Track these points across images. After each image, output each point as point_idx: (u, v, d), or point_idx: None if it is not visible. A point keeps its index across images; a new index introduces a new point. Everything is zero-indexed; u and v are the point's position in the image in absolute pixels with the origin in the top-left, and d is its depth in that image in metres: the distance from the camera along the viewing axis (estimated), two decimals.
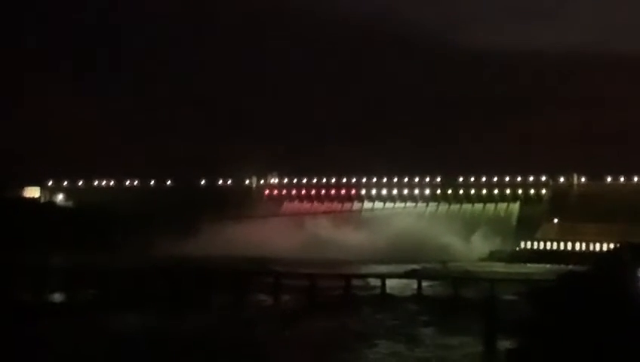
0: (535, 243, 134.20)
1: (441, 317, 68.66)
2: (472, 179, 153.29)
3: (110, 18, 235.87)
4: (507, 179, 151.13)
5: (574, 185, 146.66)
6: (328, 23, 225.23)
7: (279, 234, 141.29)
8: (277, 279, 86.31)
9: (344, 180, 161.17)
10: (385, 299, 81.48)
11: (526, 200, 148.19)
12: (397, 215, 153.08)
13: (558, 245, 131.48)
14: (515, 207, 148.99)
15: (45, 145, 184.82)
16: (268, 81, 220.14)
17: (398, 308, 75.16)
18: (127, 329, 61.27)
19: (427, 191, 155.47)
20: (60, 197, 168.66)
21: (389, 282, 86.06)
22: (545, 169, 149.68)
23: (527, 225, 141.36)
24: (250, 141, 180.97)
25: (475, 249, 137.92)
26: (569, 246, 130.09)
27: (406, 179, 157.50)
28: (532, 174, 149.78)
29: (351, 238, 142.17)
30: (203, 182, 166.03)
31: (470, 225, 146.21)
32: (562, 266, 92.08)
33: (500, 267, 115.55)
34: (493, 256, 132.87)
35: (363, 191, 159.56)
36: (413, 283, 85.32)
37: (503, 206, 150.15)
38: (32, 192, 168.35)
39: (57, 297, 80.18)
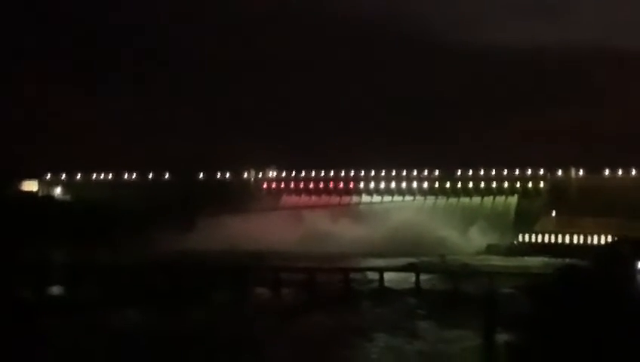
0: (533, 237, 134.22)
1: (439, 310, 68.84)
2: (470, 172, 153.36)
3: (110, 18, 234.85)
4: (505, 172, 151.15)
5: (572, 179, 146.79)
6: (328, 22, 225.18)
7: (278, 228, 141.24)
8: (276, 273, 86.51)
9: (342, 173, 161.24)
10: (383, 293, 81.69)
11: (524, 193, 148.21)
12: (395, 208, 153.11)
13: (556, 238, 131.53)
14: (513, 200, 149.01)
15: (43, 140, 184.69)
16: (267, 80, 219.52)
17: (397, 302, 75.36)
18: (128, 326, 61.39)
19: (425, 185, 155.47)
20: (58, 190, 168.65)
21: (387, 275, 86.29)
22: (543, 162, 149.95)
23: (525, 219, 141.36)
24: (249, 137, 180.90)
25: (472, 242, 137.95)
26: (567, 239, 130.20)
27: (404, 173, 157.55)
28: (530, 168, 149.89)
29: (349, 232, 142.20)
30: (201, 176, 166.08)
31: (468, 219, 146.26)
32: (560, 260, 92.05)
33: (497, 260, 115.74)
34: (490, 250, 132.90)
35: (361, 185, 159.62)
36: (411, 277, 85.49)
37: (501, 199, 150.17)
38: (30, 186, 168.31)
39: (57, 293, 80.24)
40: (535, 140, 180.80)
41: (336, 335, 58.76)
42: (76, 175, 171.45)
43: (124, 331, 58.65)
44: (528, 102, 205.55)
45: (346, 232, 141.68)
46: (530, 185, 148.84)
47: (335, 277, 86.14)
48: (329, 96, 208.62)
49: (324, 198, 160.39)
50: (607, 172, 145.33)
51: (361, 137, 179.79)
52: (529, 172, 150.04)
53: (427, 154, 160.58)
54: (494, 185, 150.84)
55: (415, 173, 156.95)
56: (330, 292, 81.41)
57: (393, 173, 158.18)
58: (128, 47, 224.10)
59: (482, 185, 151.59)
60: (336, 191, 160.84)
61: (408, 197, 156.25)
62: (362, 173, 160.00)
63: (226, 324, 62.81)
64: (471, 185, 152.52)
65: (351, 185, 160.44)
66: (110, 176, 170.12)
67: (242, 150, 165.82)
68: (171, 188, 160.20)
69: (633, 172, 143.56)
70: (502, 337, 51.40)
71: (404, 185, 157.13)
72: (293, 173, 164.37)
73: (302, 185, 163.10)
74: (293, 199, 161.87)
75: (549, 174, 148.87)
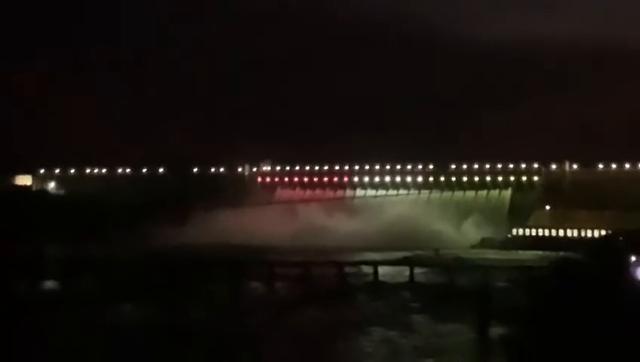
0: (527, 231, 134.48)
1: (434, 304, 68.92)
2: (465, 166, 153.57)
3: (110, 18, 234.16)
4: (499, 166, 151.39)
5: (567, 173, 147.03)
6: (328, 21, 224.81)
7: (272, 222, 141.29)
8: (270, 267, 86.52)
9: (337, 167, 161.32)
10: (378, 287, 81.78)
11: (518, 187, 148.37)
12: (390, 202, 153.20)
13: (550, 232, 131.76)
14: (507, 194, 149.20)
15: (37, 135, 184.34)
16: (266, 77, 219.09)
17: (391, 296, 75.45)
18: (124, 321, 61.32)
19: (419, 179, 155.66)
20: (52, 185, 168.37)
21: (382, 269, 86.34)
22: (537, 156, 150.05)
23: (519, 212, 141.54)
24: (244, 133, 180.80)
25: (467, 236, 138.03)
26: (561, 233, 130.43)
27: (398, 167, 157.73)
28: (524, 161, 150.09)
29: (344, 226, 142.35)
30: (196, 170, 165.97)
31: (462, 213, 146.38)
32: (555, 253, 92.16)
33: (492, 254, 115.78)
34: (485, 243, 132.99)
35: (356, 179, 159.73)
36: (406, 271, 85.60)
37: (495, 193, 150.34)
38: (24, 180, 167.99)
39: (52, 288, 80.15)
40: (529, 134, 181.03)
41: (331, 329, 58.81)
42: (70, 170, 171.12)
43: (120, 327, 58.53)
44: (523, 96, 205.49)
45: (340, 226, 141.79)
46: (524, 178, 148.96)
47: (330, 271, 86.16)
48: (328, 94, 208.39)
49: (319, 192, 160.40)
50: (601, 166, 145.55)
51: (356, 132, 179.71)
52: (523, 166, 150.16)
53: (422, 149, 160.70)
54: (488, 178, 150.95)
55: (409, 167, 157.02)
56: (325, 286, 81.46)
57: (388, 167, 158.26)
58: (128, 47, 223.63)
59: (476, 178, 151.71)
60: (331, 185, 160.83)
61: (403, 191, 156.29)
62: (357, 167, 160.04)
63: (223, 319, 62.80)
64: (465, 178, 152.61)
65: (345, 179, 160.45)
66: (104, 170, 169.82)
67: (237, 144, 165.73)
68: (166, 182, 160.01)
69: (627, 166, 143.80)
70: (496, 331, 51.49)
71: (398, 179, 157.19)
72: (288, 167, 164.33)
73: (296, 179, 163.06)
74: (287, 193, 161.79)
75: (543, 168, 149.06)
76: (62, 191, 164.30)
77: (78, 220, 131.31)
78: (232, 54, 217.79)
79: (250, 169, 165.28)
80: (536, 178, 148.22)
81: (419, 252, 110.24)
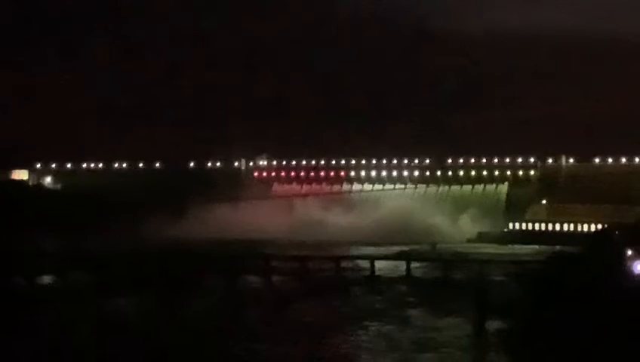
0: (524, 225, 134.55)
1: (430, 298, 68.99)
2: (461, 160, 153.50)
3: (109, 17, 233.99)
4: (496, 160, 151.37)
5: (563, 167, 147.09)
6: (327, 16, 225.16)
7: (269, 216, 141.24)
8: (267, 261, 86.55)
9: (333, 162, 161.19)
10: (374, 281, 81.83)
11: (515, 181, 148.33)
12: (386, 197, 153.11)
13: (547, 226, 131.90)
14: (504, 188, 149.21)
15: (33, 129, 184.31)
16: (267, 79, 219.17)
17: (388, 290, 75.52)
18: (121, 315, 61.28)
19: (416, 173, 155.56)
20: (49, 179, 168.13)
21: (379, 263, 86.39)
22: (534, 150, 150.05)
23: (515, 207, 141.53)
24: (241, 128, 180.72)
25: (463, 230, 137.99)
26: (558, 227, 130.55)
27: (395, 161, 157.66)
28: (521, 156, 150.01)
29: (340, 220, 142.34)
30: (192, 164, 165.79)
31: (459, 207, 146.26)
32: (551, 247, 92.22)
33: (488, 248, 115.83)
34: (481, 237, 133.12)
35: (352, 173, 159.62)
36: (402, 265, 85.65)
37: (491, 187, 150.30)
38: (20, 175, 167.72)
39: (49, 282, 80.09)
40: (526, 128, 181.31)
41: (328, 323, 58.82)
42: (66, 164, 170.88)
43: (118, 320, 58.50)
44: (520, 90, 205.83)
45: (337, 220, 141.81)
46: (520, 173, 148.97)
47: (326, 265, 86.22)
48: (327, 92, 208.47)
49: (316, 187, 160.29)
50: (597, 160, 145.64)
51: (352, 126, 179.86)
52: (520, 160, 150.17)
53: (418, 143, 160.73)
54: (485, 173, 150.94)
55: (406, 161, 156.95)
56: (322, 280, 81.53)
57: (384, 162, 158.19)
58: (128, 46, 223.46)
59: (473, 173, 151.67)
60: (328, 180, 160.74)
61: (399, 186, 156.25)
62: (353, 162, 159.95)
63: (220, 312, 62.80)
64: (462, 173, 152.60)
65: (342, 174, 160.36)
66: (100, 165, 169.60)
67: (233, 139, 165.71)
68: (162, 177, 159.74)
69: (623, 160, 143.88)
70: (493, 324, 51.56)
71: (395, 173, 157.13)
72: (284, 162, 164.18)
73: (293, 173, 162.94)
74: (284, 187, 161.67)
75: (539, 162, 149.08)
76: (58, 186, 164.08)
77: (74, 215, 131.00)
78: (230, 49, 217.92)
79: (247, 163, 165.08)
80: (532, 172, 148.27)
81: (415, 246, 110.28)
